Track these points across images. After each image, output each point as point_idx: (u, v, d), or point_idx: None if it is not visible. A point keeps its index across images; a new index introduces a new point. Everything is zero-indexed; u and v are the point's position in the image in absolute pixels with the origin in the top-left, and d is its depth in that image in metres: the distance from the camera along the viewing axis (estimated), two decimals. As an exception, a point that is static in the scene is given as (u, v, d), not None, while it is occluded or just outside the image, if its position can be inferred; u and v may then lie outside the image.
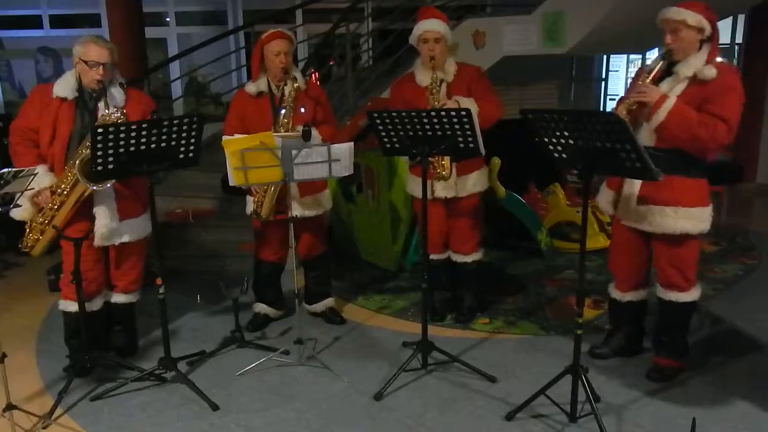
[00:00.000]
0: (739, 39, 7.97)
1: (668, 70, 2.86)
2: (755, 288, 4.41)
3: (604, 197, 3.15)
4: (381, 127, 3.05)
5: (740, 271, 4.72)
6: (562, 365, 2.80)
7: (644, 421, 2.80)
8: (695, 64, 2.79)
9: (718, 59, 2.84)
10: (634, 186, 2.95)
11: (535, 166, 4.91)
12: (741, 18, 7.80)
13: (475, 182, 3.61)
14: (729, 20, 7.86)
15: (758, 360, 3.36)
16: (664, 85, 2.85)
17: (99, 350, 3.30)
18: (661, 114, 2.76)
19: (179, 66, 9.55)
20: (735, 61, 8.04)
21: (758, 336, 3.61)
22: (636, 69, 9.28)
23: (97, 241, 3.15)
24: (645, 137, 2.88)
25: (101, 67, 3.01)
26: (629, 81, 3.27)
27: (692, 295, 3.07)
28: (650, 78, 2.85)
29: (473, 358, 3.35)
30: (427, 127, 2.94)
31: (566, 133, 2.48)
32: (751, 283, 4.52)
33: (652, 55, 9.02)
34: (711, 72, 2.74)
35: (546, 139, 2.58)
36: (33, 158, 3.06)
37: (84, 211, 3.10)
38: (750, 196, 7.28)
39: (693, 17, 2.77)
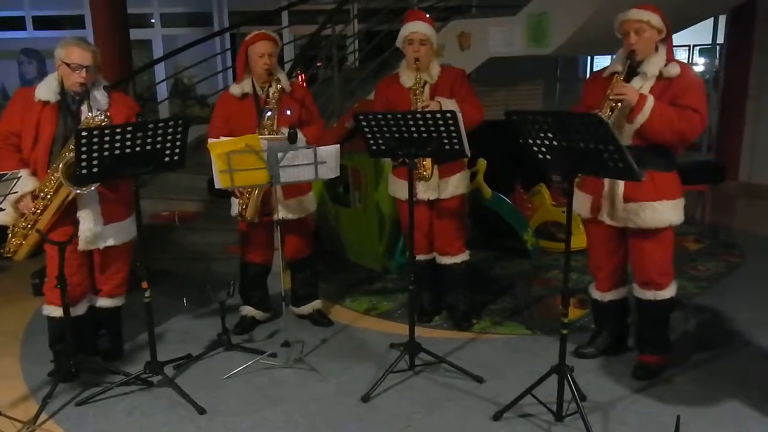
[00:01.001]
0: (720, 39, 8.06)
1: (631, 72, 2.94)
2: (738, 285, 4.47)
3: (580, 201, 3.16)
4: (367, 129, 3.05)
5: (723, 269, 4.77)
6: (548, 365, 2.82)
7: (630, 419, 2.83)
8: (658, 63, 2.90)
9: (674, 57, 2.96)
10: (617, 186, 2.99)
11: (521, 167, 4.94)
12: (722, 19, 7.90)
13: (457, 184, 3.62)
14: (710, 21, 7.96)
15: (742, 357, 3.40)
16: (635, 84, 2.92)
17: (84, 355, 3.28)
18: (645, 113, 2.81)
19: (164, 68, 9.50)
20: (717, 62, 8.14)
21: (742, 333, 3.66)
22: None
23: (81, 245, 3.12)
24: (624, 138, 2.91)
25: (84, 70, 2.99)
26: (582, 87, 3.32)
27: (670, 291, 3.11)
28: (621, 77, 2.90)
29: (460, 359, 3.37)
30: (413, 129, 2.95)
31: (550, 135, 2.50)
32: (734, 280, 4.57)
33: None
34: (675, 69, 2.88)
35: (530, 141, 2.59)
36: (15, 163, 3.03)
37: (68, 215, 3.07)
38: (733, 195, 7.37)
39: (655, 18, 2.88)
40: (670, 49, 2.95)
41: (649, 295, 3.10)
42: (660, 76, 2.90)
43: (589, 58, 9.67)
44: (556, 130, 2.47)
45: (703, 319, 3.89)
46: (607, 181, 3.01)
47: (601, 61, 9.88)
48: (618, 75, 2.92)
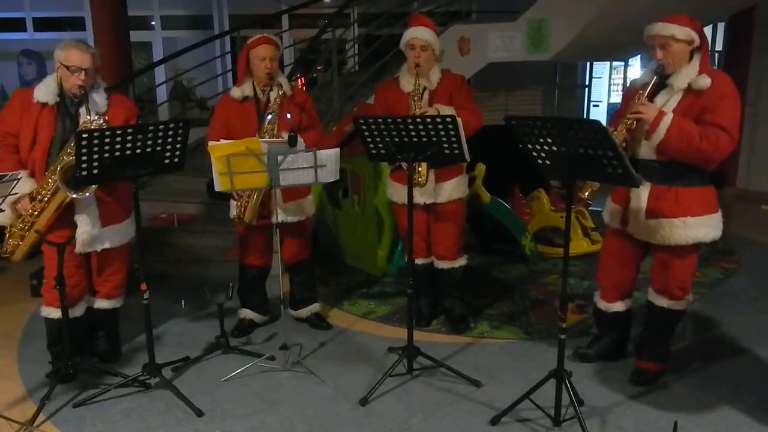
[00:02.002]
0: (719, 46, 8.10)
1: (661, 84, 2.85)
2: (735, 292, 4.48)
3: (609, 211, 3.14)
4: (367, 133, 3.06)
5: (720, 275, 4.78)
6: (546, 369, 2.82)
7: (627, 425, 2.83)
8: (689, 75, 2.77)
9: (712, 67, 2.85)
10: (641, 200, 2.92)
11: (520, 172, 4.96)
12: (721, 26, 7.94)
13: (453, 189, 3.62)
14: (709, 28, 7.99)
15: (738, 363, 3.41)
16: (660, 98, 2.84)
17: (82, 356, 3.27)
18: (661, 131, 2.73)
19: (164, 70, 9.51)
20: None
21: (738, 339, 3.66)
22: (624, 80, 9.42)
23: (79, 248, 3.12)
24: (645, 152, 2.88)
25: (83, 73, 2.98)
26: (616, 94, 3.29)
27: (683, 304, 3.09)
28: (645, 94, 2.82)
29: (458, 363, 3.37)
30: (413, 133, 2.96)
31: (549, 140, 2.51)
32: (731, 287, 4.58)
33: (635, 62, 9.15)
34: (705, 81, 2.74)
35: (530, 146, 2.60)
36: (13, 164, 3.03)
37: (66, 217, 3.07)
38: (730, 202, 7.39)
39: (681, 30, 2.76)
40: (706, 58, 2.82)
41: (663, 302, 3.08)
42: (689, 89, 2.78)
43: (588, 64, 9.70)
44: (556, 136, 2.48)
45: (700, 325, 3.89)
46: (632, 195, 2.95)
47: (600, 68, 9.93)
48: (641, 92, 2.84)
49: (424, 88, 3.49)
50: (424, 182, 3.51)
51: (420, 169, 3.48)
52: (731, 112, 2.74)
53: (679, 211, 2.86)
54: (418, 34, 3.46)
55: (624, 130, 2.82)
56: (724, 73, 2.86)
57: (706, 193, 2.91)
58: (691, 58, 2.82)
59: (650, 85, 2.83)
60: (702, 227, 2.88)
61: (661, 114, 2.75)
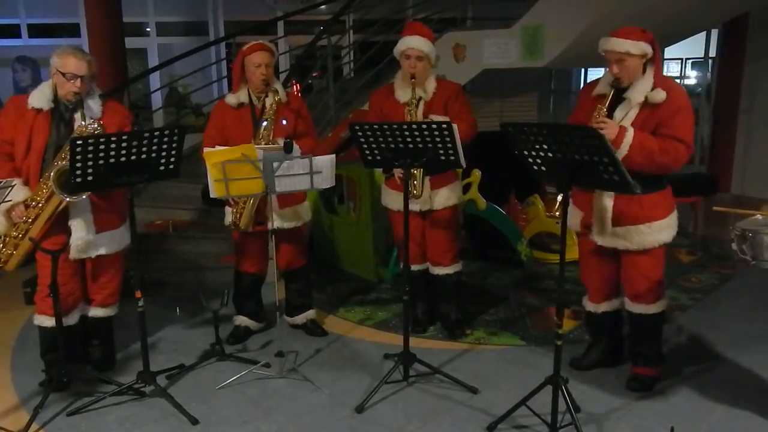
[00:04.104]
0: (712, 53, 8.14)
1: (618, 96, 2.91)
2: (731, 297, 4.49)
3: (572, 215, 3.16)
4: (363, 140, 3.06)
5: (716, 281, 4.79)
6: (542, 376, 2.81)
7: (624, 431, 2.83)
8: (644, 89, 2.85)
9: (662, 76, 2.93)
10: (606, 209, 2.98)
11: (516, 178, 4.96)
12: (714, 32, 7.98)
13: (448, 196, 3.62)
14: (703, 35, 8.04)
15: (734, 368, 3.41)
16: (618, 112, 2.90)
17: (76, 364, 3.25)
18: (624, 149, 2.79)
19: (159, 77, 9.51)
20: (709, 75, 8.21)
21: (734, 345, 3.66)
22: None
23: (73, 254, 3.11)
24: None
25: (78, 80, 2.98)
26: (578, 96, 3.30)
27: (660, 305, 3.13)
28: (605, 108, 2.88)
29: (455, 370, 3.36)
30: (409, 139, 2.96)
31: (545, 146, 2.52)
32: (726, 292, 4.59)
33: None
34: (660, 95, 2.82)
35: (525, 152, 2.61)
36: (8, 171, 3.03)
37: (60, 223, 3.06)
38: (726, 208, 7.40)
39: (635, 46, 2.81)
40: (658, 69, 2.90)
41: (639, 308, 3.11)
42: (645, 102, 2.85)
43: (582, 70, 9.74)
44: (552, 142, 2.48)
45: (696, 331, 3.89)
46: (595, 203, 3.01)
47: (595, 74, 9.96)
48: (600, 106, 2.88)
49: (419, 99, 3.49)
50: (419, 194, 3.51)
51: (416, 182, 3.49)
52: (686, 124, 2.86)
53: (645, 216, 2.94)
54: (414, 44, 3.44)
55: None
56: (676, 84, 2.98)
57: (666, 196, 3.02)
58: (645, 70, 2.88)
59: (608, 98, 2.89)
60: (666, 230, 2.99)
61: (623, 130, 2.81)
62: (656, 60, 2.89)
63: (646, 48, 2.83)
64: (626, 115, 2.88)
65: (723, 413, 2.96)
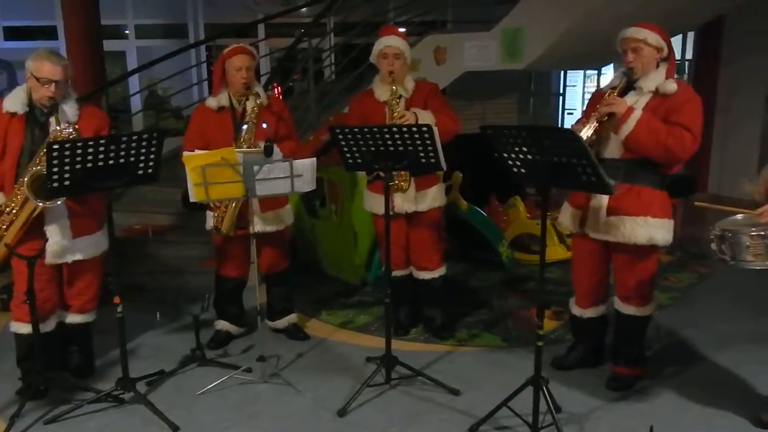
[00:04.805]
0: (689, 55, 8.26)
1: (628, 88, 2.95)
2: (709, 296, 4.55)
3: (568, 215, 3.19)
4: (343, 143, 3.06)
5: (694, 280, 4.86)
6: (524, 376, 2.83)
7: (604, 430, 2.86)
8: (656, 79, 2.90)
9: (675, 77, 2.96)
10: (602, 198, 2.99)
11: (496, 180, 4.98)
12: (690, 35, 8.10)
13: (434, 197, 3.65)
14: (679, 37, 8.15)
15: (713, 366, 3.46)
16: (629, 98, 2.94)
17: (53, 372, 3.20)
18: (630, 124, 2.83)
19: (139, 80, 9.42)
20: (685, 77, 8.33)
21: (712, 342, 3.72)
22: (594, 88, 9.60)
23: (49, 259, 3.06)
24: (613, 149, 2.97)
25: (53, 85, 2.94)
26: (586, 102, 3.34)
27: (649, 308, 3.16)
28: (616, 92, 2.93)
29: (437, 372, 3.36)
30: (389, 142, 2.97)
31: (524, 149, 2.53)
32: (704, 291, 4.66)
33: (608, 71, 9.29)
34: (672, 86, 2.87)
35: (505, 155, 2.62)
36: None
37: (36, 229, 3.01)
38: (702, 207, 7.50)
39: (653, 36, 2.88)
40: (672, 67, 2.95)
41: (629, 310, 3.13)
42: (656, 92, 2.90)
43: (562, 73, 9.83)
44: (531, 144, 2.50)
45: (675, 330, 3.94)
46: (593, 194, 3.02)
47: (574, 76, 10.06)
48: (612, 90, 2.94)
49: (400, 96, 3.51)
50: (407, 186, 3.52)
51: (402, 173, 3.50)
52: (695, 115, 2.87)
53: (641, 209, 2.94)
54: (391, 42, 3.51)
55: (595, 122, 2.90)
56: (686, 84, 3.03)
57: (664, 197, 3.02)
58: (657, 66, 2.94)
59: (619, 86, 2.94)
60: (660, 229, 2.97)
61: (631, 109, 2.86)
62: (670, 61, 2.95)
63: (662, 42, 2.90)
64: (637, 101, 2.92)
65: (702, 411, 2.99)
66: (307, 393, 3.22)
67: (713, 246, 2.60)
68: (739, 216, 2.68)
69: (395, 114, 3.43)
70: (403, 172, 3.50)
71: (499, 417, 2.86)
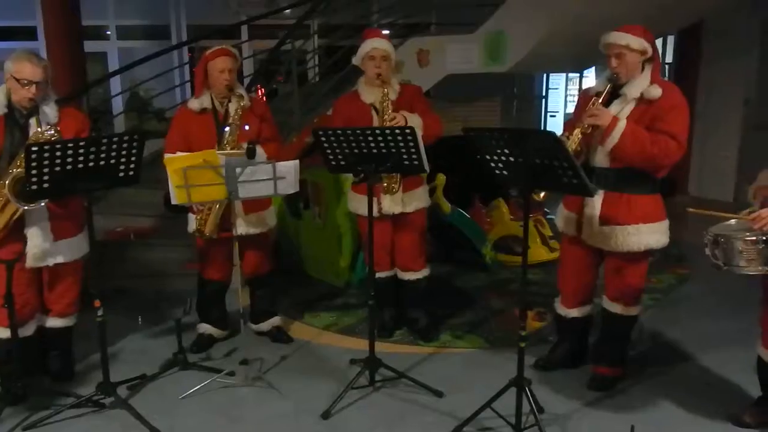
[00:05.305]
0: (669, 58, 8.36)
1: (614, 92, 2.95)
2: (688, 297, 4.61)
3: (563, 218, 3.20)
4: (326, 145, 3.06)
5: (674, 281, 4.91)
6: (507, 378, 2.84)
7: (586, 430, 2.88)
8: (641, 85, 2.89)
9: (661, 78, 2.97)
10: (594, 207, 3.00)
11: (480, 182, 5.01)
12: (671, 38, 8.20)
13: (420, 197, 3.68)
14: (659, 40, 8.25)
15: (693, 366, 3.50)
16: (614, 107, 2.93)
17: (33, 377, 3.16)
18: (615, 136, 2.82)
19: (120, 81, 9.33)
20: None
21: (692, 342, 3.76)
22: (579, 91, 9.69)
23: (29, 262, 3.02)
24: (600, 159, 2.97)
25: (34, 86, 2.91)
26: (573, 105, 3.36)
27: (637, 309, 3.18)
28: (600, 101, 2.91)
29: (421, 374, 3.37)
30: (372, 145, 2.97)
31: (507, 151, 2.55)
32: (685, 292, 4.71)
33: (590, 74, 9.39)
34: (657, 91, 2.85)
35: (488, 157, 2.63)
36: None
37: (16, 232, 2.97)
38: (683, 209, 7.58)
39: (636, 41, 2.87)
40: (657, 69, 2.95)
41: (617, 309, 3.15)
42: (641, 99, 2.89)
43: (544, 75, 9.91)
44: (513, 147, 2.52)
45: (656, 330, 3.98)
46: (587, 202, 3.02)
47: (556, 79, 10.15)
48: (596, 98, 2.93)
49: (389, 99, 3.52)
50: (398, 188, 3.54)
51: (394, 181, 3.52)
52: (680, 122, 2.87)
53: (632, 218, 2.95)
54: (378, 44, 3.51)
55: (579, 134, 2.89)
56: (673, 85, 2.98)
57: (656, 201, 3.02)
58: (642, 69, 2.92)
59: (605, 93, 2.93)
60: (654, 234, 2.98)
61: (615, 120, 2.84)
62: (655, 61, 2.94)
63: (645, 45, 2.88)
64: (622, 110, 2.91)
65: (683, 411, 3.03)
66: (290, 396, 3.21)
67: (707, 251, 2.57)
68: (732, 221, 2.65)
69: (386, 117, 3.43)
70: (394, 175, 3.50)
71: (483, 418, 2.87)
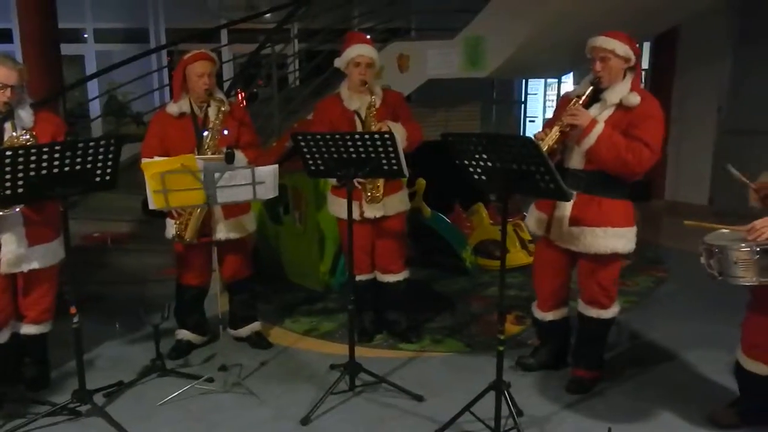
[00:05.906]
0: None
1: (595, 96, 3.00)
2: (665, 299, 4.67)
3: (533, 219, 3.24)
4: (306, 150, 3.06)
5: (651, 284, 4.98)
6: (487, 381, 2.85)
7: (565, 433, 2.91)
8: (621, 91, 2.94)
9: (640, 86, 3.03)
10: (565, 208, 3.04)
11: (460, 187, 5.03)
12: (647, 45, 8.32)
13: (400, 201, 3.70)
14: (636, 47, 8.37)
15: (671, 368, 3.55)
16: (593, 110, 2.98)
17: (7, 384, 3.10)
18: (591, 138, 2.88)
19: (98, 84, 9.23)
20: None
21: (670, 345, 3.81)
22: (557, 96, 9.79)
23: (4, 269, 2.98)
24: (575, 160, 3.03)
25: (8, 90, 2.88)
26: (553, 108, 3.40)
27: (612, 311, 3.22)
28: (581, 102, 2.97)
29: (401, 378, 3.37)
30: (352, 149, 2.98)
31: (485, 156, 2.57)
32: (661, 295, 4.77)
33: (568, 79, 9.49)
34: (635, 99, 2.91)
35: (466, 162, 2.65)
36: None
37: (-11, 238, 2.93)
38: (659, 213, 7.71)
39: (621, 47, 2.93)
40: (637, 77, 3.01)
41: (592, 312, 3.19)
42: (620, 105, 2.94)
43: (523, 81, 10.00)
44: (491, 152, 2.54)
45: (634, 332, 4.03)
46: (556, 203, 3.06)
47: (535, 85, 10.25)
48: (577, 99, 2.98)
49: (373, 105, 3.52)
50: (381, 197, 3.54)
51: (378, 184, 3.53)
52: (655, 131, 2.92)
53: (601, 221, 3.00)
54: (364, 51, 3.51)
55: (558, 131, 2.93)
56: (652, 95, 3.05)
57: (626, 207, 3.08)
58: (624, 76, 2.98)
59: (585, 95, 2.98)
60: (621, 239, 3.03)
61: (594, 122, 2.90)
62: (636, 70, 3.00)
63: (630, 53, 2.94)
64: (600, 114, 2.96)
65: (661, 413, 3.06)
66: (269, 402, 3.19)
67: (702, 260, 2.56)
68: (725, 231, 2.65)
69: (372, 127, 3.43)
70: (378, 184, 3.51)
71: (462, 422, 2.88)
